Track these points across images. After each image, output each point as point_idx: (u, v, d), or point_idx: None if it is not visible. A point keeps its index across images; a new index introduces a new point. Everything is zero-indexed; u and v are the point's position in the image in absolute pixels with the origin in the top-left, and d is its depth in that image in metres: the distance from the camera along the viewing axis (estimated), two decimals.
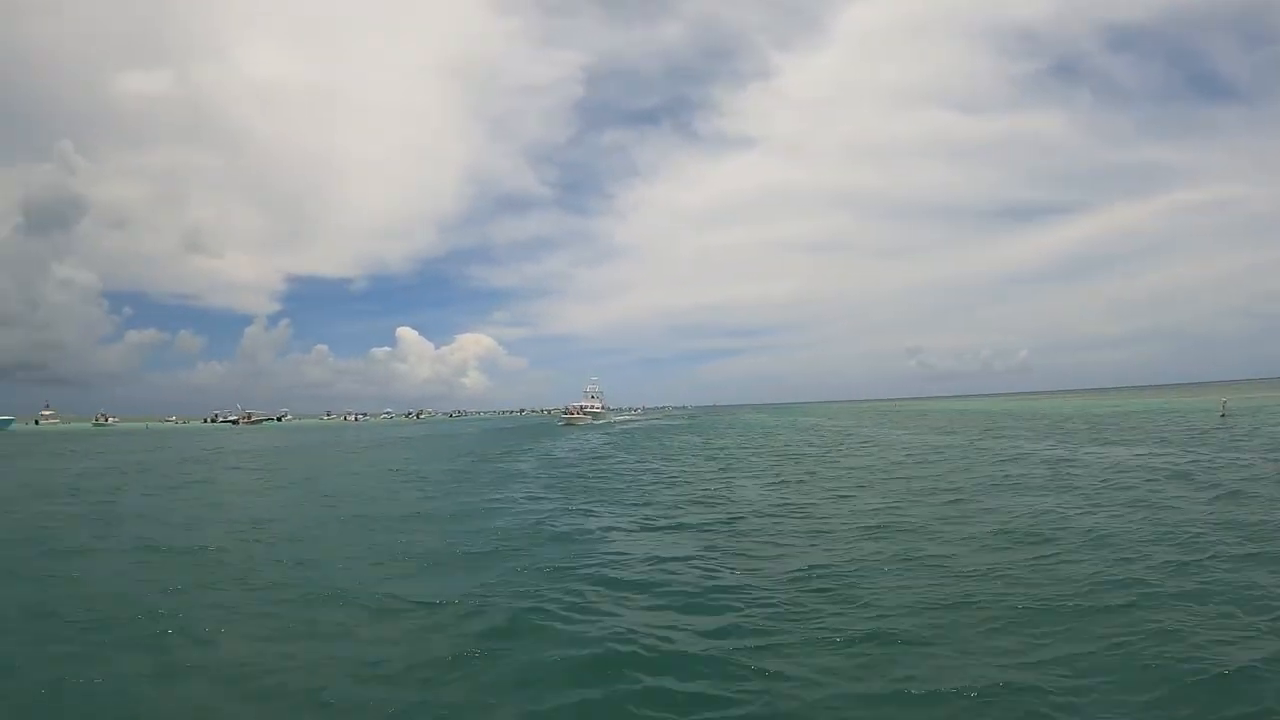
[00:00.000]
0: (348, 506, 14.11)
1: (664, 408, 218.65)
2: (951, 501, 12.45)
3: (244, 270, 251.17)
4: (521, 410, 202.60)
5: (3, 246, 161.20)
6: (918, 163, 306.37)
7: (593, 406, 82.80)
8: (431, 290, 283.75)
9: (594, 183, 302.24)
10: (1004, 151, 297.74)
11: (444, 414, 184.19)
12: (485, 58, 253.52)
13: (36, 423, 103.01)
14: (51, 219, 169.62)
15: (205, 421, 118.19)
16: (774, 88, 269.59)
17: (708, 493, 15.20)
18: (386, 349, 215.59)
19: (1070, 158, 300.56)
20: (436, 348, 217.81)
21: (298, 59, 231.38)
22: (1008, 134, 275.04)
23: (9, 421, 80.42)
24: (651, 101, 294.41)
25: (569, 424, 69.56)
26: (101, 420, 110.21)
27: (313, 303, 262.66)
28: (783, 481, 17.02)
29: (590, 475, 20.12)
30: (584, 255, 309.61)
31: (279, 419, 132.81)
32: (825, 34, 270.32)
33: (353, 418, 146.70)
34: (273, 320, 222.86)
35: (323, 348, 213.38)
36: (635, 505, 13.70)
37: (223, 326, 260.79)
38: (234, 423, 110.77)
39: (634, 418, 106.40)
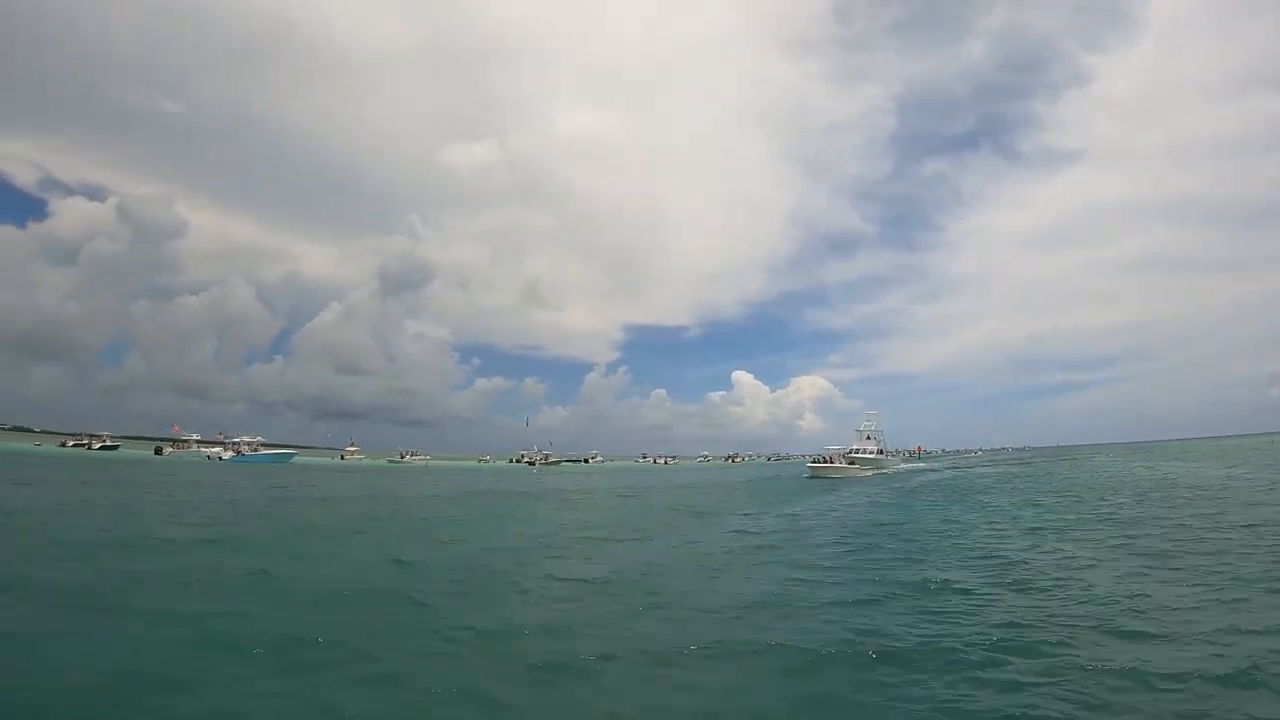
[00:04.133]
0: None
1: (1003, 449, 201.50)
2: None
3: (583, 321, 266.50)
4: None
5: (364, 308, 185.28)
6: (1261, 157, 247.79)
7: (865, 451, 62.65)
8: (765, 334, 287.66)
9: (920, 215, 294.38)
10: None
11: (765, 457, 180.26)
12: (792, 101, 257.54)
13: (342, 457, 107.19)
14: (404, 282, 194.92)
15: (511, 461, 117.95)
16: (1092, 93, 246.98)
17: None
18: (722, 393, 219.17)
19: None
20: (772, 391, 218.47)
21: (609, 116, 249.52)
22: None
23: (290, 455, 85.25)
24: (967, 125, 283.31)
25: (817, 476, 51.66)
26: (398, 458, 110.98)
27: (649, 350, 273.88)
28: None
29: None
30: (917, 291, 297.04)
31: (586, 460, 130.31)
32: (1136, 26, 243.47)
33: (662, 460, 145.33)
34: (611, 367, 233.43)
35: (661, 392, 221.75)
36: None
37: (564, 373, 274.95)
38: (531, 464, 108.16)
39: (933, 466, 78.40)
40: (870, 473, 55.68)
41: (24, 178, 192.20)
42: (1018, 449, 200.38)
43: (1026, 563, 11.51)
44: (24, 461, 45.86)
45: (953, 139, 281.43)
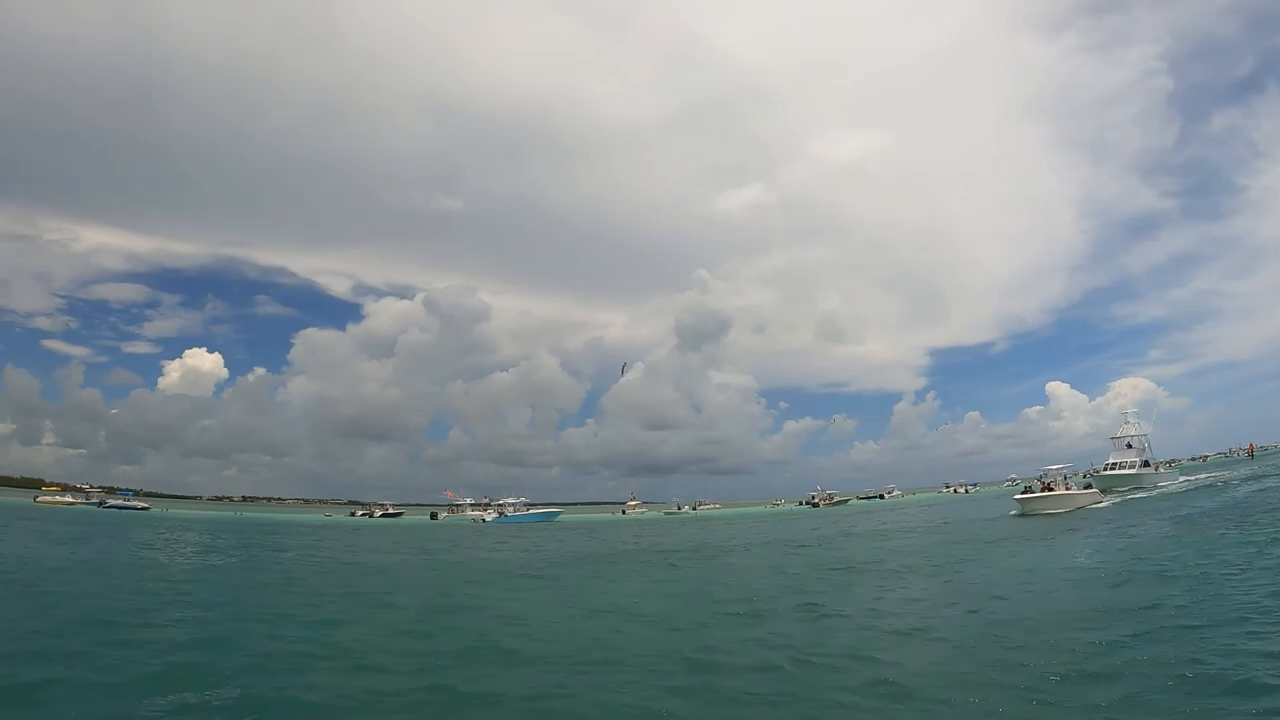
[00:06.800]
0: None
1: None
2: None
3: (884, 351, 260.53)
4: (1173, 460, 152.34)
5: (666, 364, 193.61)
6: None
7: (1123, 465, 46.98)
8: (1074, 339, 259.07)
9: (1218, 178, 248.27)
10: None
11: (1081, 474, 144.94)
12: (1056, 83, 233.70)
13: (624, 511, 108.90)
14: (701, 335, 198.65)
15: (801, 504, 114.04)
16: None
17: None
18: (1038, 408, 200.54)
19: None
20: (1091, 399, 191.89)
21: (875, 137, 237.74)
22: None
23: (555, 513, 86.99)
24: (1245, 66, 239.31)
25: (1028, 514, 36.98)
26: (674, 509, 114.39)
27: (956, 372, 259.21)
28: None
29: None
30: (1231, 264, 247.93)
31: (882, 496, 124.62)
32: None
33: (962, 489, 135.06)
34: (919, 395, 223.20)
35: (974, 414, 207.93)
36: None
37: (872, 407, 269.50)
38: (815, 505, 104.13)
39: (1250, 473, 51.46)
40: (1124, 497, 41.92)
41: (339, 288, 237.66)
42: None
43: None
44: (294, 530, 48.09)
45: (1235, 85, 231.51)
